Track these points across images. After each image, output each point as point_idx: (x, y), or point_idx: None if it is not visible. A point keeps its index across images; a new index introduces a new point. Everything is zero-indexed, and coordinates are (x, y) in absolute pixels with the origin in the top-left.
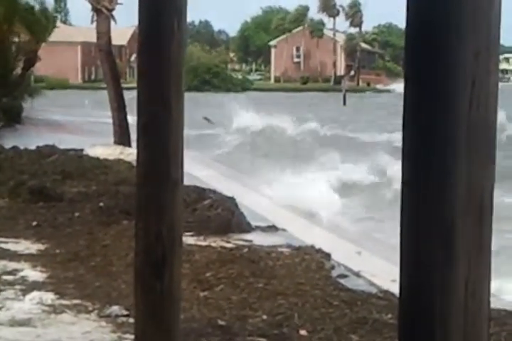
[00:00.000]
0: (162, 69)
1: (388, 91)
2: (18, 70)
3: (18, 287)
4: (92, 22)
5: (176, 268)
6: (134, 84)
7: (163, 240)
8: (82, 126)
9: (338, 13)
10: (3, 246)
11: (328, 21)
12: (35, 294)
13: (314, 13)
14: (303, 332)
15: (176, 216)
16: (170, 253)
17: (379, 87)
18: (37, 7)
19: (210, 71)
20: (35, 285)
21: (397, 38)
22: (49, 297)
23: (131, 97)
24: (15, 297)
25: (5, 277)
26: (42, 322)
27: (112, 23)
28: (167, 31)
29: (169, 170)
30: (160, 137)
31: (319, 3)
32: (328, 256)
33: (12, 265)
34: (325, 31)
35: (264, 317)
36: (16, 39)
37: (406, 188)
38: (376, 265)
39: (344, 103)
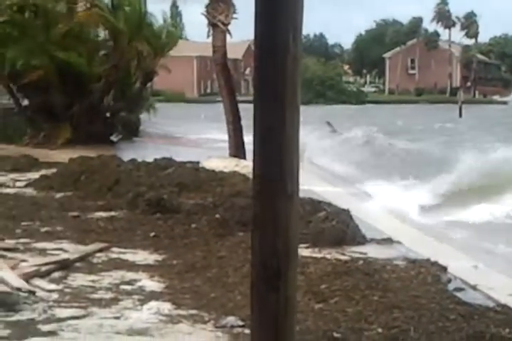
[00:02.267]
0: (278, 82)
1: (505, 103)
2: (137, 84)
3: (136, 297)
4: (208, 36)
5: (291, 280)
6: (249, 97)
7: (278, 252)
8: (198, 139)
9: (453, 24)
10: (122, 256)
11: (443, 32)
12: (152, 304)
13: (428, 24)
14: None
15: (292, 228)
16: (285, 265)
17: (495, 98)
18: (159, 22)
19: (324, 83)
20: (153, 295)
21: None
22: (166, 307)
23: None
24: (133, 306)
25: (123, 287)
26: (159, 332)
27: (228, 37)
28: (283, 45)
29: (285, 183)
30: (276, 150)
31: (434, 14)
32: (444, 269)
33: (130, 275)
34: (440, 43)
35: (380, 330)
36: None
37: None
38: (492, 279)
39: (460, 115)
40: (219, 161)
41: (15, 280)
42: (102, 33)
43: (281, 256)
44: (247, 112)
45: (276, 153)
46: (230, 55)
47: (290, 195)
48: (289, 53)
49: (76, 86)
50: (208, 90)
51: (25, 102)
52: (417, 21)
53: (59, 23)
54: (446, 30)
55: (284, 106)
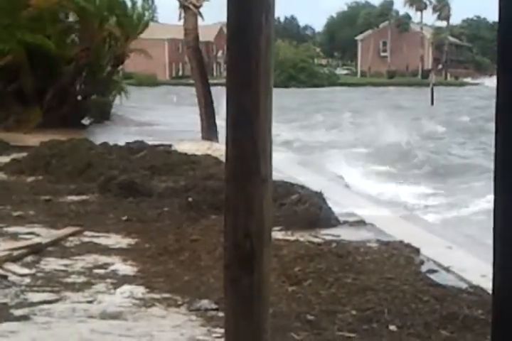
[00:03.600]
0: (251, 64)
1: (477, 84)
2: (108, 67)
3: (109, 280)
4: (179, 19)
5: (265, 262)
6: (221, 80)
7: (251, 235)
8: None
9: (425, 7)
10: (95, 240)
11: (415, 15)
12: (125, 288)
13: (400, 7)
14: (392, 328)
15: (265, 210)
16: (259, 248)
17: (467, 80)
18: (129, 4)
19: (296, 66)
20: (126, 279)
21: (487, 30)
22: (139, 290)
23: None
24: (106, 290)
25: (96, 271)
26: (133, 316)
27: (199, 19)
28: (255, 26)
29: (258, 166)
30: (249, 133)
31: None
32: (417, 251)
33: (103, 259)
34: (411, 25)
35: (354, 312)
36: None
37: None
38: (465, 261)
39: (432, 101)
40: (191, 144)
41: None
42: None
43: (254, 238)
44: (218, 95)
45: (249, 135)
46: (202, 38)
47: (263, 178)
48: (262, 34)
49: (46, 69)
50: (180, 73)
51: None
52: (389, 4)
53: (28, 6)
54: (418, 13)
55: (257, 88)
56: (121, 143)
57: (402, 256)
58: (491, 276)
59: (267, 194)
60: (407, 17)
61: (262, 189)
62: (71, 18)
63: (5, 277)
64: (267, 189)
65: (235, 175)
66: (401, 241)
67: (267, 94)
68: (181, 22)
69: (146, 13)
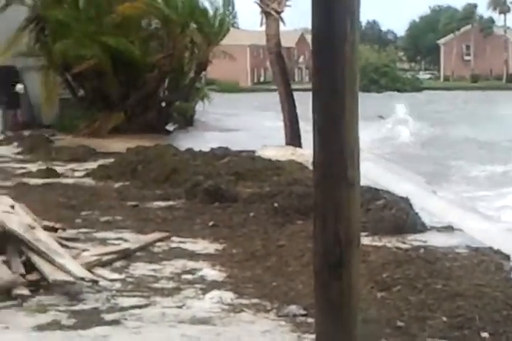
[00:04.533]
0: (336, 69)
1: None
2: (191, 74)
3: (197, 286)
4: (261, 25)
5: (354, 268)
6: (302, 86)
7: (341, 240)
8: (254, 128)
9: (509, 10)
10: (182, 245)
11: (498, 18)
12: (214, 293)
13: (483, 11)
14: (485, 335)
15: (353, 216)
16: (347, 254)
17: None
18: (210, 11)
19: (378, 70)
20: (214, 285)
21: None
22: (228, 296)
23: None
24: (195, 296)
25: (185, 276)
26: (222, 321)
27: (281, 25)
28: (340, 32)
29: (346, 171)
30: (336, 137)
31: (489, 0)
32: (507, 257)
33: (191, 264)
34: (495, 28)
35: (444, 318)
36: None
37: None
38: None
39: None
40: (275, 150)
41: (78, 270)
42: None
43: (343, 245)
44: (300, 100)
45: (337, 140)
46: (284, 44)
47: (351, 183)
48: (347, 41)
49: (130, 76)
50: (262, 79)
51: (81, 92)
52: (472, 7)
53: (112, 12)
54: (502, 16)
55: (343, 93)
56: (205, 149)
57: (492, 263)
58: None
59: (355, 199)
60: (491, 20)
61: (349, 194)
62: (153, 25)
63: (96, 282)
64: (354, 194)
65: (323, 181)
66: (491, 248)
67: (353, 99)
68: (263, 28)
69: (227, 20)
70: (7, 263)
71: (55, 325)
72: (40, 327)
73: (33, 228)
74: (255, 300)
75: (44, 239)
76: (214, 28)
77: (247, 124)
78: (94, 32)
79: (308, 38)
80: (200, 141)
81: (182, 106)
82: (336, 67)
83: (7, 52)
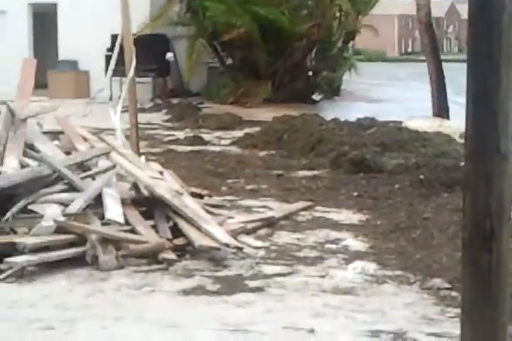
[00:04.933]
0: (493, 39)
1: None
2: (339, 44)
3: (340, 256)
4: None
5: (504, 242)
6: (451, 56)
7: (491, 213)
8: (401, 98)
9: None
10: (326, 215)
11: None
12: (357, 264)
13: None
14: None
15: (505, 189)
16: (498, 226)
17: None
18: None
19: None
20: (358, 255)
21: None
22: (371, 267)
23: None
24: (338, 265)
25: (328, 245)
26: (365, 292)
27: None
28: (498, 2)
29: (499, 143)
30: (490, 108)
31: None
32: None
33: (334, 234)
34: None
35: None
36: (338, 11)
37: None
38: None
39: None
40: (422, 121)
41: (223, 236)
42: None
43: (494, 217)
44: (448, 72)
45: (490, 112)
46: (433, 13)
47: (504, 155)
48: (505, 11)
49: (278, 44)
50: (409, 49)
51: (229, 61)
52: None
53: None
54: None
55: (498, 65)
56: (352, 119)
57: None
58: None
59: (508, 171)
60: None
61: (502, 166)
62: None
63: (240, 249)
64: (507, 166)
65: (475, 153)
66: None
67: (509, 70)
68: None
69: None
70: (155, 227)
71: (200, 290)
72: (186, 292)
73: (180, 194)
74: (398, 272)
75: (191, 205)
76: None
77: (393, 95)
78: (245, 1)
79: (459, 7)
80: (346, 111)
81: (329, 75)
82: (493, 37)
83: (157, 20)
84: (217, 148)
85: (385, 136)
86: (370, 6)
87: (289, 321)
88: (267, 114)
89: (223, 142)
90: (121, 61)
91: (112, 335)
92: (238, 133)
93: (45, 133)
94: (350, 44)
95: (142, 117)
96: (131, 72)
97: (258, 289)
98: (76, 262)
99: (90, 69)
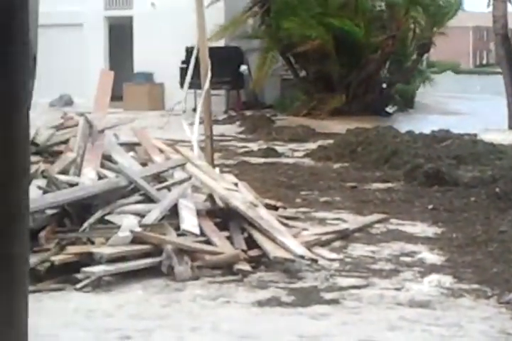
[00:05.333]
0: None
1: None
2: (413, 56)
3: (416, 269)
4: (488, 6)
5: None
6: None
7: None
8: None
9: None
10: (400, 228)
11: None
12: (433, 277)
13: None
14: None
15: None
16: None
17: None
18: None
19: None
20: (433, 268)
21: None
22: (447, 280)
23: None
24: (413, 278)
25: (403, 258)
26: (441, 305)
27: (509, 6)
28: None
29: None
30: None
31: None
32: None
33: (409, 247)
34: None
35: None
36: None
37: None
38: None
39: None
40: (497, 133)
41: (298, 248)
42: (379, 4)
43: None
44: None
45: None
46: (510, 25)
47: None
48: None
49: (352, 57)
50: (484, 61)
51: (303, 73)
52: None
53: None
54: None
55: None
56: (426, 131)
57: None
58: None
59: None
60: None
61: None
62: (377, 7)
63: (315, 261)
64: None
65: None
66: None
67: None
68: (489, 9)
69: (453, 1)
70: (229, 238)
71: (274, 301)
72: (260, 303)
73: (255, 206)
74: (475, 286)
75: (266, 216)
76: (440, 10)
77: (468, 107)
78: (320, 13)
79: None
80: (421, 124)
81: (403, 88)
82: None
83: (226, 31)
84: (290, 160)
85: (460, 148)
86: (447, 18)
87: (364, 334)
88: (340, 126)
89: (296, 154)
90: (196, 74)
91: None
92: (311, 146)
93: (121, 144)
94: (425, 56)
95: (216, 129)
96: (207, 85)
97: (333, 301)
98: (152, 272)
99: (165, 82)
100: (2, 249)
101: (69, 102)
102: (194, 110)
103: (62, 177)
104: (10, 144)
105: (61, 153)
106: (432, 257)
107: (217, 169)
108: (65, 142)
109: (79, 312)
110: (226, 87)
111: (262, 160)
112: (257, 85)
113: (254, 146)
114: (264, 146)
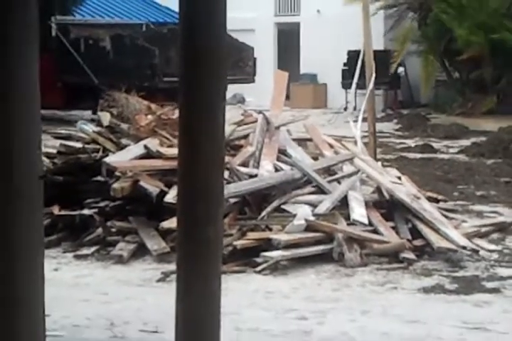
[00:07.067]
0: None
1: None
2: None
3: None
4: None
5: None
6: None
7: None
8: None
9: None
10: None
11: None
12: None
13: None
14: None
15: None
16: None
17: None
18: None
19: None
20: None
21: None
22: None
23: None
24: None
25: None
26: None
27: None
28: None
29: None
30: None
31: None
32: None
33: None
34: None
35: None
36: None
37: None
38: None
39: None
40: None
41: (460, 239)
42: None
43: None
44: None
45: None
46: None
47: None
48: None
49: (505, 60)
50: None
51: (456, 75)
52: None
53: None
54: None
55: None
56: None
57: None
58: None
59: None
60: None
61: None
62: None
63: (476, 251)
64: None
65: None
66: None
67: None
68: None
69: None
70: (394, 229)
71: (438, 289)
72: (425, 290)
73: (418, 198)
74: None
75: (429, 208)
76: None
77: None
78: (482, 21)
79: None
80: None
81: None
82: None
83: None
84: (445, 156)
85: None
86: None
87: None
88: (492, 124)
89: (451, 150)
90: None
91: (361, 328)
92: (465, 143)
93: (293, 140)
94: None
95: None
96: (371, 85)
97: (495, 290)
98: (323, 258)
99: (327, 82)
100: (200, 235)
101: (241, 101)
102: (354, 108)
103: (243, 169)
104: (211, 138)
105: (241, 147)
106: None
107: (379, 163)
108: (245, 137)
109: (259, 293)
110: (384, 87)
111: (419, 155)
112: (426, 86)
113: (411, 143)
114: (421, 143)
